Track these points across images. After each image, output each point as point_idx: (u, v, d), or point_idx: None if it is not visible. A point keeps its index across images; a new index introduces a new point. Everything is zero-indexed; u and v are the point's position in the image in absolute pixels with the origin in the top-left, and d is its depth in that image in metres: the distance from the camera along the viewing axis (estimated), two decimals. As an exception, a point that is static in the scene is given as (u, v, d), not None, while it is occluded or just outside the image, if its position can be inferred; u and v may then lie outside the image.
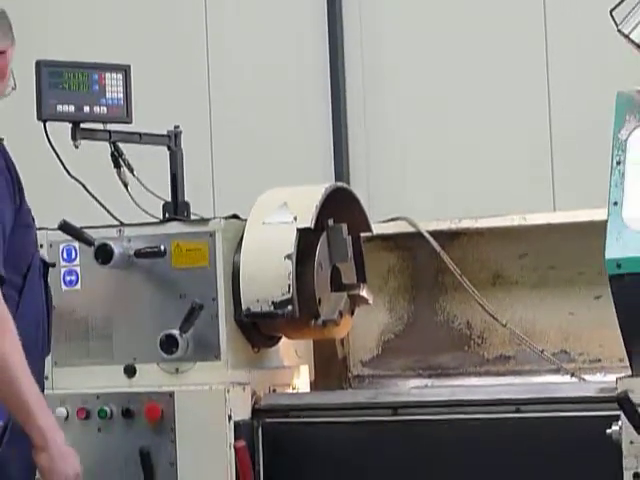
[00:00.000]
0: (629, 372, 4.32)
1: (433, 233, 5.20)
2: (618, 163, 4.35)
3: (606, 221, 4.27)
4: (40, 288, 4.06)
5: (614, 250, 4.16)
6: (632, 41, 4.55)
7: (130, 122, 5.09)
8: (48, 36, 7.23)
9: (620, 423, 4.14)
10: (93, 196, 5.02)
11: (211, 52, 7.61)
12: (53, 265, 4.15)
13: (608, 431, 4.17)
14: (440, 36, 7.67)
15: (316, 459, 4.86)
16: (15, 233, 3.92)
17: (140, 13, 7.99)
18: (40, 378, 3.97)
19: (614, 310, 4.29)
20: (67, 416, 4.91)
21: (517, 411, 4.64)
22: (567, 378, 4.99)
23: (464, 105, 7.09)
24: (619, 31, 4.58)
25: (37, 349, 3.97)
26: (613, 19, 4.57)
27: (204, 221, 5.03)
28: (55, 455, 3.77)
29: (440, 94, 7.22)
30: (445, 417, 4.81)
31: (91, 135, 5.03)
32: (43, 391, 4.02)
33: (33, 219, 4.12)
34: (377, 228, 5.31)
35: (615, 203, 4.26)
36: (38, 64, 4.90)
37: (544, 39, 6.97)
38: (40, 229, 4.84)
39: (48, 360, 4.74)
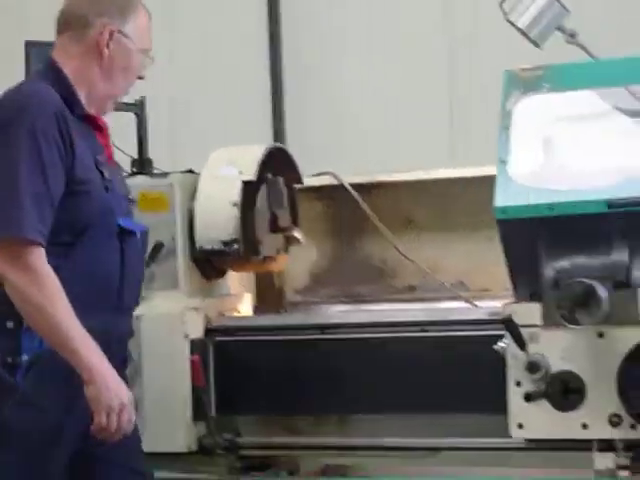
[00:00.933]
0: (513, 299, 4.37)
1: (354, 185, 5.25)
2: (505, 128, 4.41)
3: (495, 176, 4.35)
4: (111, 248, 4.01)
5: (501, 199, 4.21)
6: (519, 29, 4.60)
7: None
8: (34, 20, 7.12)
9: (505, 340, 4.23)
10: None
11: (170, 28, 7.22)
12: (132, 232, 4.13)
13: (495, 347, 4.25)
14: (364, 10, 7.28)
15: (257, 370, 4.89)
16: (68, 199, 3.87)
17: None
18: (110, 324, 3.97)
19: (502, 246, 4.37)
20: None
21: (422, 331, 4.72)
22: (463, 304, 5.03)
23: (383, 73, 6.83)
24: (507, 20, 4.61)
25: (108, 300, 3.98)
26: (502, 9, 4.59)
27: (164, 175, 5.11)
28: (101, 387, 3.77)
29: (360, 65, 6.95)
30: (363, 336, 4.86)
31: None
32: (120, 335, 4.14)
33: (107, 187, 4.02)
34: (307, 181, 5.38)
35: (502, 161, 4.32)
36: (27, 44, 4.96)
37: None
38: None
39: None
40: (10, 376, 3.69)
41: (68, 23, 3.98)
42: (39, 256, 3.68)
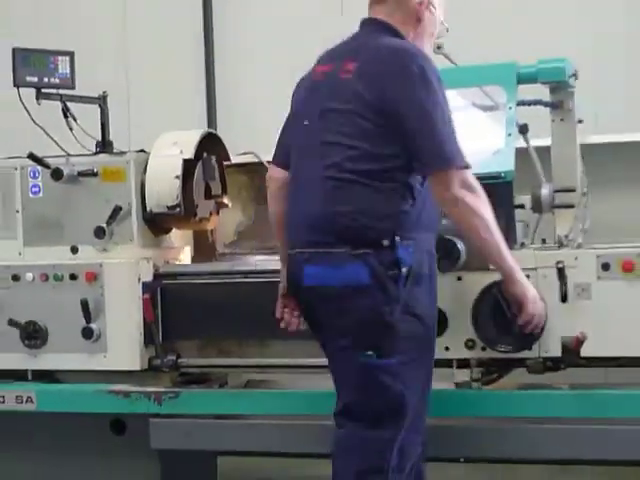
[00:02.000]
0: None
1: (270, 162, 4.83)
2: None
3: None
4: None
5: None
6: None
7: (74, 88, 5.15)
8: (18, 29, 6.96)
9: None
10: (50, 136, 5.08)
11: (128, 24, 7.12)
12: None
13: None
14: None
15: (194, 306, 4.93)
16: None
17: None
18: None
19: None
20: (33, 279, 4.96)
21: None
22: None
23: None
24: None
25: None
26: None
27: (122, 153, 5.10)
28: (524, 284, 3.81)
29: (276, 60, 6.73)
30: (275, 280, 4.58)
31: (48, 97, 5.09)
32: None
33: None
34: (234, 159, 5.39)
35: None
36: (14, 50, 4.98)
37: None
38: (13, 157, 5.12)
39: (20, 241, 5.12)
40: (395, 287, 3.62)
41: None
42: (475, 179, 3.66)
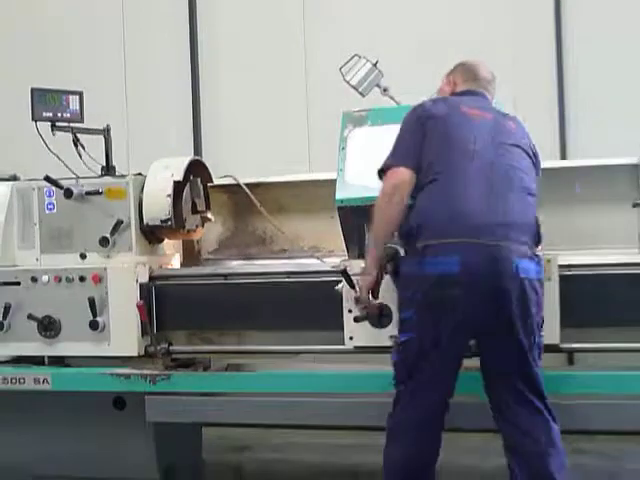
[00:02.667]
0: (346, 257, 4.58)
1: (246, 184, 5.29)
2: (343, 149, 4.61)
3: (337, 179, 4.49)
4: None
5: (339, 194, 4.47)
6: (352, 85, 4.79)
7: (82, 122, 5.17)
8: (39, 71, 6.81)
9: (342, 284, 4.39)
10: (62, 161, 5.10)
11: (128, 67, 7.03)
12: None
13: (335, 288, 4.42)
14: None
15: (183, 303, 5.01)
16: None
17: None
18: None
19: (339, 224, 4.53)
20: (48, 280, 4.99)
21: (288, 277, 4.85)
22: (315, 260, 5.11)
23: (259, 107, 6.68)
24: (344, 79, 4.80)
25: None
26: (341, 73, 4.78)
27: (123, 176, 5.11)
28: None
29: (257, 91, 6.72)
30: (251, 280, 4.95)
31: (61, 129, 5.10)
32: None
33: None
34: (216, 181, 5.42)
35: (340, 170, 4.53)
36: (32, 90, 5.02)
37: (302, 24, 6.58)
38: (32, 179, 5.15)
39: (37, 249, 5.12)
40: None
41: None
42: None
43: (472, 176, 3.75)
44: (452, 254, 3.60)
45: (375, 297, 4.03)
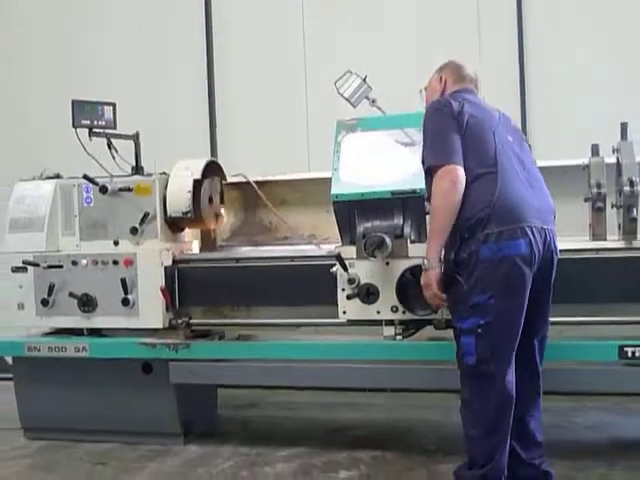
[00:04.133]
0: (340, 244, 4.40)
1: (255, 182, 5.21)
2: (337, 151, 4.46)
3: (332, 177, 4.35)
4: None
5: (334, 189, 4.28)
6: (345, 97, 4.61)
7: (115, 128, 5.06)
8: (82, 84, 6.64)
9: (335, 267, 4.32)
10: (98, 162, 4.96)
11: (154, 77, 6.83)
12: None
13: (331, 270, 4.34)
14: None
15: (201, 282, 4.90)
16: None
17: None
18: None
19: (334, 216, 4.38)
20: (87, 264, 4.93)
21: (291, 261, 4.77)
22: (313, 247, 4.95)
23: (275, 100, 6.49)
24: (339, 92, 4.62)
25: None
26: (336, 87, 4.61)
27: (150, 175, 5.02)
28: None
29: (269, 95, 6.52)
30: (259, 264, 4.86)
31: (97, 135, 5.00)
32: None
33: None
34: (229, 179, 5.32)
35: (335, 169, 4.37)
36: (73, 101, 4.91)
37: (303, 45, 6.42)
38: (73, 178, 5.06)
39: (77, 237, 5.05)
40: None
41: None
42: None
43: (516, 170, 3.56)
44: (522, 236, 3.41)
45: (440, 289, 3.60)
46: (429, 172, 3.56)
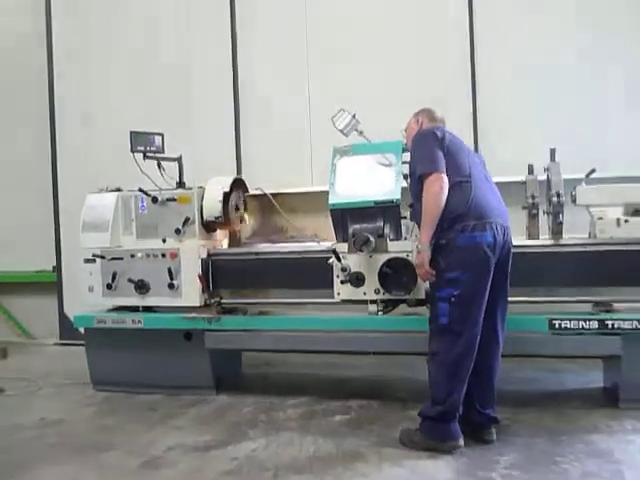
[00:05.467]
0: (336, 241, 4.39)
1: (271, 194, 5.16)
2: (333, 171, 4.45)
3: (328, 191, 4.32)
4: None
5: (331, 199, 4.28)
6: (339, 129, 4.55)
7: (163, 152, 5.06)
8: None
9: (332, 259, 4.30)
10: (150, 179, 4.95)
11: (193, 109, 6.68)
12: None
13: (329, 262, 4.32)
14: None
15: (230, 271, 4.90)
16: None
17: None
18: None
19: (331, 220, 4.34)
20: (142, 256, 4.95)
21: (299, 255, 4.72)
22: (315, 244, 4.92)
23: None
24: (334, 125, 4.54)
25: None
26: (332, 121, 4.54)
27: (190, 188, 5.01)
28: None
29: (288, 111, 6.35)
30: (274, 257, 4.81)
31: (149, 158, 4.99)
32: None
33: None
34: (251, 191, 5.28)
35: (332, 184, 4.36)
36: (130, 132, 4.90)
37: (308, 92, 6.29)
38: (132, 190, 5.03)
39: (134, 236, 4.98)
40: None
41: None
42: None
43: (483, 181, 3.70)
44: (488, 229, 3.52)
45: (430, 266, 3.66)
46: (420, 178, 3.61)
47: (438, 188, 3.53)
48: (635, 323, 4.02)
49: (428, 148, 3.65)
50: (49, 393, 5.16)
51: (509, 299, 3.81)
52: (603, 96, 5.63)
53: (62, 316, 7.19)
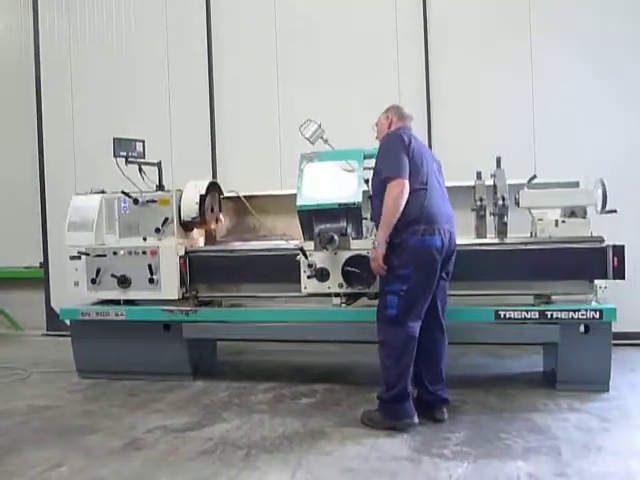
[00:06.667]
0: (303, 240, 4.36)
1: (245, 196, 5.11)
2: (300, 176, 4.39)
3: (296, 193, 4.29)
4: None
5: (299, 202, 4.23)
6: (306, 137, 4.53)
7: (144, 158, 4.99)
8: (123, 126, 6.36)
9: (299, 256, 4.27)
10: (132, 182, 4.88)
11: (172, 119, 6.58)
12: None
13: (297, 258, 4.29)
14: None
15: (205, 267, 4.83)
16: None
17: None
18: None
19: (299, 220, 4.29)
20: (124, 253, 4.86)
21: (269, 252, 4.68)
22: (284, 242, 4.83)
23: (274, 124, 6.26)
24: (301, 134, 4.53)
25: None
26: (300, 130, 4.52)
27: (169, 191, 4.94)
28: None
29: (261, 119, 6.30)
30: (247, 254, 4.74)
31: (131, 163, 4.92)
32: None
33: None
34: (226, 194, 5.22)
35: (299, 187, 4.30)
36: (114, 139, 4.83)
37: (278, 103, 6.24)
38: (114, 193, 4.95)
39: (117, 234, 4.87)
40: None
41: None
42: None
43: (436, 189, 3.71)
44: (437, 234, 3.57)
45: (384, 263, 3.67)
46: (384, 181, 3.60)
47: (399, 193, 3.54)
48: (571, 314, 4.07)
49: (395, 152, 3.64)
50: (36, 381, 5.09)
51: (458, 292, 3.93)
52: (542, 112, 5.73)
53: (49, 309, 7.13)
